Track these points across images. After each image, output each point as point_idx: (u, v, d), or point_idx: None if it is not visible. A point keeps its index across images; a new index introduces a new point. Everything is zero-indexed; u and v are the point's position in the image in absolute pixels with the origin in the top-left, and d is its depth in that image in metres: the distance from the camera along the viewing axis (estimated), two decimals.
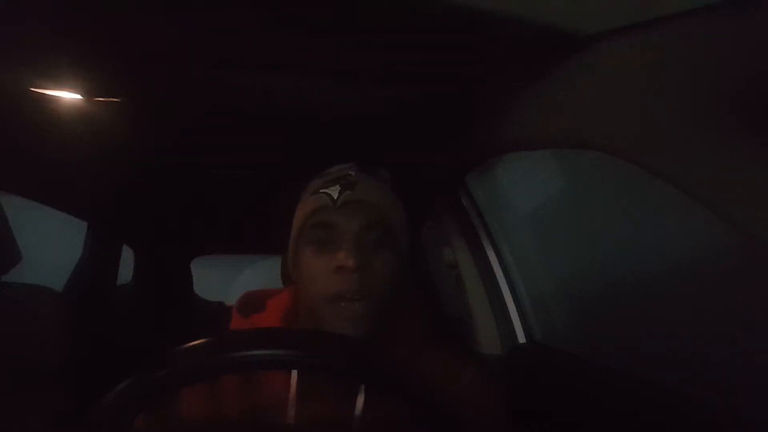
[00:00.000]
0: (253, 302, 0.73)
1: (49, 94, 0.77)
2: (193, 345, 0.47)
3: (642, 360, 0.96)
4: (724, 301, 0.97)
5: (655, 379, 0.81)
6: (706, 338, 0.99)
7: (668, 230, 1.10)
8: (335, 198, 0.63)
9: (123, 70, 0.73)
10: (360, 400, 0.57)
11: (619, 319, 1.25)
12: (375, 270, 0.61)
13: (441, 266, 1.42)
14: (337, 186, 0.64)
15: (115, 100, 0.81)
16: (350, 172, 0.67)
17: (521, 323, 1.22)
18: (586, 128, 0.60)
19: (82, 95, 0.78)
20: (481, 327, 1.25)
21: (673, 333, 1.07)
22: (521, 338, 1.21)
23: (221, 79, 0.76)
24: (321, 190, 0.65)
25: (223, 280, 2.66)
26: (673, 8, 0.45)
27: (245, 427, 0.60)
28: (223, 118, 0.95)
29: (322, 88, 0.79)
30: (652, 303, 1.15)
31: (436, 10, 0.51)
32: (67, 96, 0.78)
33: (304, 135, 1.03)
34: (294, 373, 0.60)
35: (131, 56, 0.67)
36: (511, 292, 1.25)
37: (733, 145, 0.44)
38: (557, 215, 1.58)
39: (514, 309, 1.24)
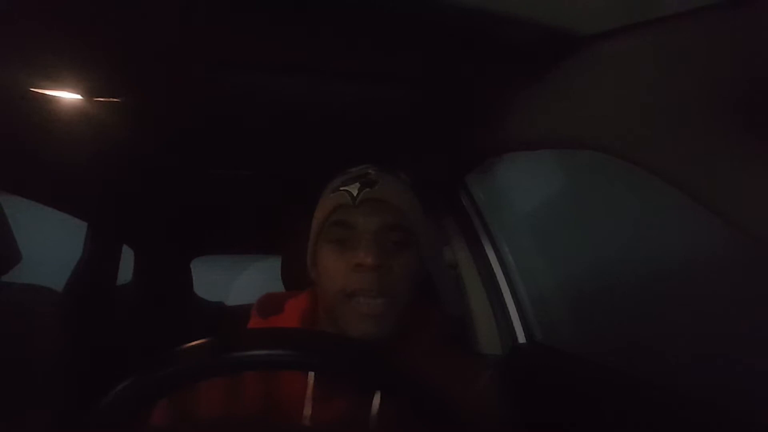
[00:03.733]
0: (272, 304, 0.73)
1: (49, 94, 0.77)
2: (197, 344, 0.47)
3: (641, 359, 0.96)
4: (723, 301, 0.97)
5: (654, 379, 0.81)
6: (706, 338, 1.00)
7: (668, 230, 1.11)
8: (355, 195, 0.63)
9: (123, 70, 0.73)
10: (376, 401, 0.57)
11: (619, 318, 1.25)
12: (394, 270, 0.61)
13: (441, 266, 1.42)
14: (357, 183, 0.64)
15: (115, 100, 0.81)
16: (370, 171, 0.67)
17: (521, 323, 1.22)
18: (585, 128, 0.60)
19: (82, 95, 0.78)
20: (481, 327, 1.25)
21: (673, 333, 1.07)
22: (521, 338, 1.21)
23: (221, 79, 0.76)
24: (341, 188, 0.65)
25: (223, 280, 2.66)
26: (673, 8, 0.45)
27: (261, 425, 0.60)
28: (223, 118, 0.94)
29: (322, 88, 0.79)
30: (651, 303, 1.15)
31: (436, 10, 0.51)
32: (67, 96, 0.78)
33: (303, 135, 1.03)
34: (311, 373, 0.60)
35: (131, 56, 0.67)
36: (511, 292, 1.25)
37: (732, 145, 0.44)
38: (557, 215, 1.58)
39: (514, 309, 1.24)
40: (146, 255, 1.91)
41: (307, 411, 0.59)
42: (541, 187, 1.58)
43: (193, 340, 0.48)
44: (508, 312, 1.24)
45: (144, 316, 1.78)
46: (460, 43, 0.60)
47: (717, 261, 0.98)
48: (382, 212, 0.63)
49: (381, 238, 0.62)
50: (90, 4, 0.54)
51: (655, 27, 0.48)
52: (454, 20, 0.53)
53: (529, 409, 1.02)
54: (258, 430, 0.53)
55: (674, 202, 0.65)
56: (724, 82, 0.45)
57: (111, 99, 0.81)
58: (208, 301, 2.13)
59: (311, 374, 0.61)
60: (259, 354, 0.45)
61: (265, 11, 0.54)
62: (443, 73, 0.72)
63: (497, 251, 1.28)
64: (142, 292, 1.85)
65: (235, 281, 2.81)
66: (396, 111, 0.89)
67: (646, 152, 0.52)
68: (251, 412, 0.61)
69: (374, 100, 0.85)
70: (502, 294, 1.25)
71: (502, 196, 1.67)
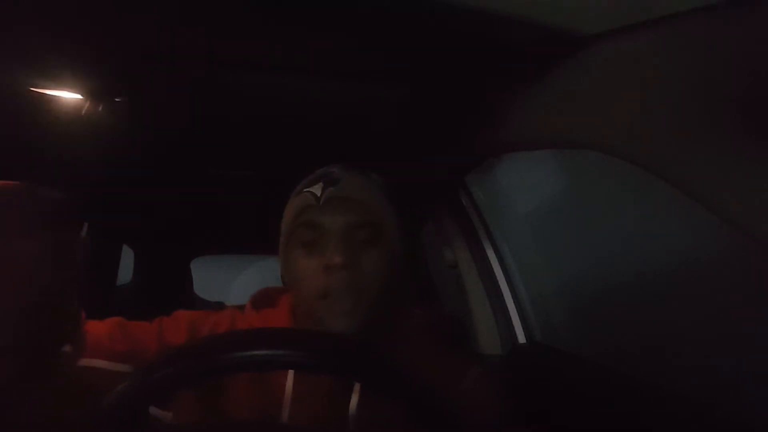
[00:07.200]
0: (268, 298, 0.74)
1: (49, 94, 0.77)
2: (191, 346, 0.47)
3: (641, 359, 0.96)
4: (723, 301, 0.97)
5: (654, 379, 0.81)
6: (706, 338, 0.99)
7: (668, 230, 1.11)
8: (318, 195, 0.62)
9: (123, 70, 0.73)
10: (354, 400, 0.58)
11: (618, 319, 1.25)
12: (364, 268, 0.61)
13: (441, 266, 1.42)
14: (321, 183, 0.64)
15: (115, 100, 0.81)
16: (334, 170, 0.66)
17: (521, 323, 1.22)
18: (585, 128, 0.60)
19: (82, 95, 0.78)
20: (481, 327, 1.25)
21: (672, 333, 1.07)
22: (521, 338, 1.21)
23: (221, 79, 0.76)
24: (305, 190, 0.65)
25: (223, 280, 2.67)
26: (673, 8, 0.45)
27: (243, 426, 0.60)
28: (223, 118, 0.95)
29: (322, 88, 0.79)
30: (651, 303, 1.15)
31: (436, 11, 0.51)
32: (67, 96, 0.78)
33: (304, 135, 1.03)
34: (290, 373, 0.60)
35: (131, 56, 0.67)
36: (511, 292, 1.25)
37: (732, 144, 0.44)
38: (557, 215, 1.58)
39: (514, 309, 1.24)
40: (146, 255, 1.91)
41: (286, 410, 0.59)
42: (541, 187, 1.58)
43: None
44: (508, 312, 1.24)
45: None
46: (460, 43, 0.60)
47: (717, 261, 0.98)
48: (348, 210, 0.62)
49: (348, 237, 0.61)
50: (90, 4, 0.54)
51: (655, 27, 0.48)
52: (454, 20, 0.53)
53: (529, 409, 1.02)
54: (238, 430, 0.53)
55: (674, 202, 0.65)
56: (724, 82, 0.45)
57: (111, 99, 0.81)
58: (208, 301, 2.14)
59: (290, 373, 0.61)
60: (258, 354, 0.45)
61: (265, 11, 0.54)
62: (443, 74, 0.72)
63: (497, 251, 1.28)
64: (142, 292, 1.86)
65: (235, 281, 2.81)
66: (396, 111, 0.89)
67: (647, 152, 0.52)
68: (232, 412, 0.61)
69: (374, 100, 0.85)
70: (502, 294, 1.25)
71: (502, 196, 1.67)
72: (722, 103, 0.45)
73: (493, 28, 0.54)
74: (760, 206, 0.42)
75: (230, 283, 2.76)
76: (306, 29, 0.58)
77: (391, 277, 0.64)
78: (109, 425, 0.44)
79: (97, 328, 0.61)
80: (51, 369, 0.50)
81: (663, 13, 0.46)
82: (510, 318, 1.23)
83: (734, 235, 0.44)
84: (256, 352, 0.45)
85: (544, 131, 0.70)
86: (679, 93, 0.48)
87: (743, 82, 0.44)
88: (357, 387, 0.59)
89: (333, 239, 0.61)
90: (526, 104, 0.72)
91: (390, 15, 0.53)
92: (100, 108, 0.83)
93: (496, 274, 1.26)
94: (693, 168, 0.47)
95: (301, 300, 0.64)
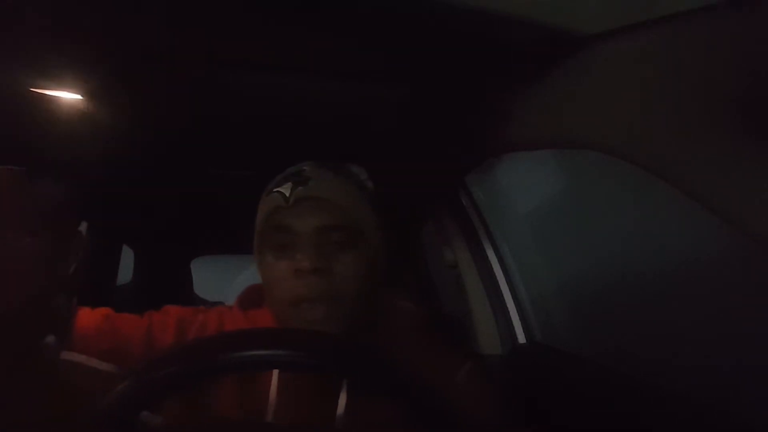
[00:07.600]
0: (255, 297, 0.72)
1: (49, 94, 0.77)
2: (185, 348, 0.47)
3: (641, 360, 0.96)
4: (723, 301, 0.97)
5: (654, 379, 0.81)
6: (706, 338, 0.99)
7: (668, 230, 1.11)
8: (287, 196, 0.59)
9: (123, 70, 0.73)
10: (342, 400, 0.56)
11: (619, 319, 1.25)
12: (338, 273, 0.58)
13: (441, 266, 1.42)
14: (290, 183, 0.60)
15: (115, 100, 0.81)
16: (305, 167, 0.63)
17: (521, 323, 1.22)
18: (585, 128, 0.61)
19: (82, 95, 0.78)
20: (481, 327, 1.25)
21: (673, 333, 1.07)
22: (521, 338, 1.21)
23: (221, 79, 0.76)
24: (274, 189, 0.62)
25: (223, 280, 2.67)
26: (673, 8, 0.45)
27: (230, 426, 0.59)
28: (223, 118, 0.95)
29: (322, 88, 0.79)
30: (651, 303, 1.15)
31: (436, 11, 0.51)
32: (67, 96, 0.78)
33: (304, 135, 1.03)
34: (275, 373, 0.59)
35: (131, 56, 0.67)
36: (511, 292, 1.25)
37: (732, 144, 0.44)
38: (557, 215, 1.58)
39: (514, 309, 1.24)
40: (146, 255, 1.91)
41: (271, 411, 0.58)
42: (541, 187, 1.59)
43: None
44: (508, 312, 1.24)
45: None
46: (460, 43, 0.60)
47: (717, 261, 0.98)
48: (319, 211, 0.59)
49: (320, 240, 0.58)
50: (90, 4, 0.54)
51: (655, 27, 0.48)
52: (454, 20, 0.53)
53: (529, 409, 1.02)
54: (225, 429, 0.53)
55: (674, 202, 0.65)
56: (724, 82, 0.45)
57: (111, 99, 0.81)
58: (208, 301, 2.14)
59: (275, 373, 0.59)
60: (258, 354, 0.45)
61: (265, 11, 0.54)
62: (443, 74, 0.72)
63: (497, 251, 1.28)
64: (142, 292, 1.86)
65: (235, 281, 2.81)
66: (396, 111, 0.89)
67: (646, 152, 0.52)
68: (217, 413, 0.60)
69: (374, 100, 0.85)
70: (502, 294, 1.25)
71: (502, 196, 1.67)
72: (722, 103, 0.45)
73: (493, 28, 0.54)
74: (760, 206, 0.42)
75: (230, 283, 2.76)
76: (306, 29, 0.58)
77: (371, 279, 0.61)
78: (102, 427, 0.44)
79: (86, 319, 0.60)
80: (35, 361, 0.50)
81: (663, 13, 0.46)
82: (510, 318, 1.23)
83: (734, 235, 0.44)
84: (255, 353, 0.45)
85: (544, 131, 0.70)
86: (679, 93, 0.48)
87: (743, 82, 0.44)
88: (345, 387, 0.57)
89: (303, 243, 0.58)
90: (526, 104, 0.72)
91: (390, 15, 0.53)
92: (100, 108, 0.83)
93: (496, 274, 1.26)
94: (693, 168, 0.47)
95: (275, 305, 0.62)
